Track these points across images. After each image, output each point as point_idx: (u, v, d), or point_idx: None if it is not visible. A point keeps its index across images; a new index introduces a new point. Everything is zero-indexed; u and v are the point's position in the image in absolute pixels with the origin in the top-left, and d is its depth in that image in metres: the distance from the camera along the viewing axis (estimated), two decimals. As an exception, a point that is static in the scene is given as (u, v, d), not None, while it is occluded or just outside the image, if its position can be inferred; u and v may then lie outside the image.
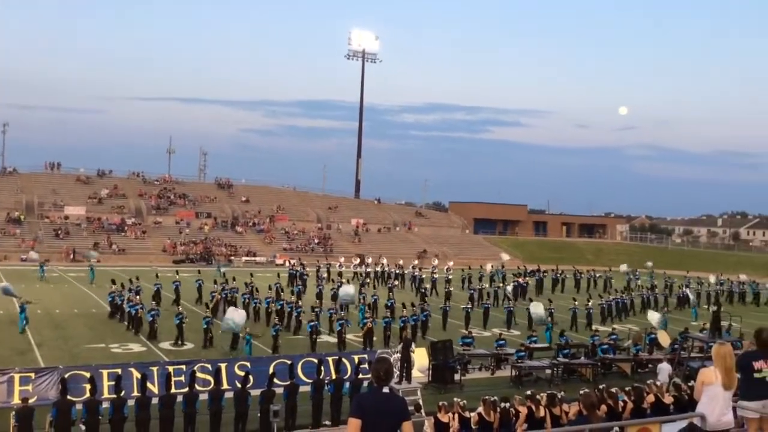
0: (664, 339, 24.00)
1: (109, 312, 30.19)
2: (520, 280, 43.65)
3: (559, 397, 13.90)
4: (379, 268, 47.45)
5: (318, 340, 24.80)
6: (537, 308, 27.30)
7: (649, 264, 54.25)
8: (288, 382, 16.76)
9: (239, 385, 16.36)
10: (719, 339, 17.12)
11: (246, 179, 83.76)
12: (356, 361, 19.08)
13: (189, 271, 42.08)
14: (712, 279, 47.70)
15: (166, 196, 71.87)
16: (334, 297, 34.81)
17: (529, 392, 14.40)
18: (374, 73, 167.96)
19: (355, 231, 73.61)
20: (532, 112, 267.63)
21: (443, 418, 13.55)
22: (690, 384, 13.74)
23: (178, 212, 69.04)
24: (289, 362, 18.42)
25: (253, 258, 60.45)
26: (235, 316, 23.44)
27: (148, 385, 16.02)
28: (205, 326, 25.00)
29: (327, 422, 16.78)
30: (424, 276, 43.28)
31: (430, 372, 20.90)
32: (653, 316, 27.08)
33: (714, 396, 6.85)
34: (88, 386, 15.23)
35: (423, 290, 38.39)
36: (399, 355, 19.69)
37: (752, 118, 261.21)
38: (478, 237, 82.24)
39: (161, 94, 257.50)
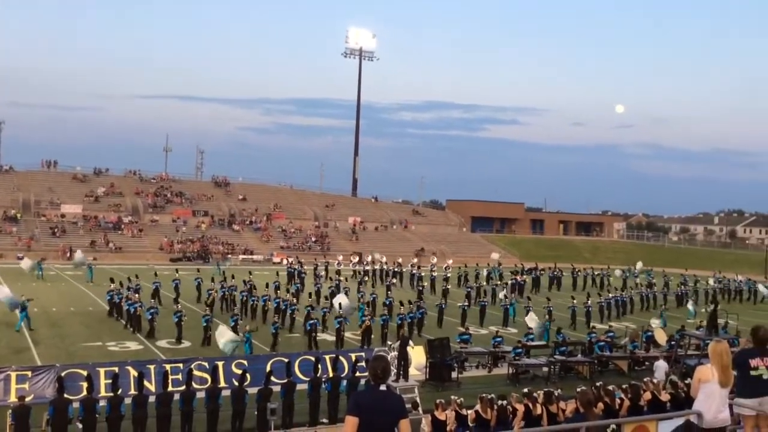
0: (660, 336, 24.05)
1: (108, 310, 30.13)
2: (518, 278, 43.69)
3: (556, 394, 13.93)
4: (377, 266, 47.46)
5: (316, 338, 24.80)
6: (531, 322, 27.00)
7: (639, 265, 54.16)
8: (285, 380, 16.76)
9: (236, 383, 16.36)
10: (716, 337, 17.18)
11: (243, 177, 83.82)
12: (353, 359, 19.09)
13: (188, 269, 42.03)
14: (711, 281, 47.76)
15: (163, 195, 71.76)
16: (332, 295, 34.83)
17: (526, 390, 14.44)
18: (371, 71, 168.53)
19: (352, 229, 73.59)
20: (529, 110, 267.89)
21: (440, 415, 13.56)
22: (687, 381, 13.77)
23: (174, 210, 68.95)
24: (286, 360, 18.43)
25: (250, 256, 60.41)
26: (225, 337, 22.84)
27: (146, 383, 16.01)
28: (205, 324, 25.00)
29: (324, 420, 16.79)
30: (423, 274, 43.32)
31: (428, 370, 20.91)
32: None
33: (710, 393, 6.86)
34: (85, 384, 15.22)
35: (420, 288, 38.40)
36: (396, 353, 19.72)
37: (749, 116, 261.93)
38: (475, 235, 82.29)
39: (158, 92, 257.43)
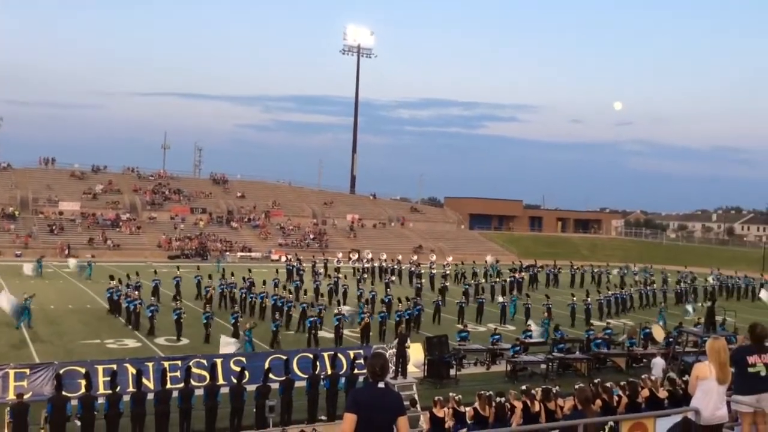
0: (658, 333, 24.08)
1: (109, 308, 30.08)
2: (516, 275, 43.72)
3: (554, 391, 13.94)
4: (376, 264, 47.47)
5: (316, 335, 24.79)
6: (536, 331, 26.83)
7: (636, 268, 54.09)
8: (284, 378, 16.76)
9: (235, 381, 16.36)
10: (713, 334, 17.20)
11: (241, 175, 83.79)
12: (351, 356, 19.08)
13: (187, 267, 42.01)
14: (710, 278, 47.79)
15: (161, 192, 71.71)
16: (330, 292, 34.85)
17: (524, 387, 14.44)
18: (370, 68, 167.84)
19: (350, 226, 73.57)
20: (527, 107, 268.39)
21: (439, 413, 13.57)
22: (684, 378, 13.79)
23: (173, 208, 68.90)
24: (284, 357, 18.43)
25: (248, 253, 60.39)
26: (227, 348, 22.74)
27: (144, 380, 15.99)
28: (205, 321, 25.00)
29: (323, 417, 16.79)
30: (422, 271, 43.35)
31: (426, 367, 20.92)
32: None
33: (708, 390, 6.88)
34: (83, 382, 15.20)
35: (419, 285, 38.44)
36: (394, 350, 19.73)
37: (748, 114, 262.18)
38: (473, 232, 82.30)
39: (157, 89, 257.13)
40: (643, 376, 15.43)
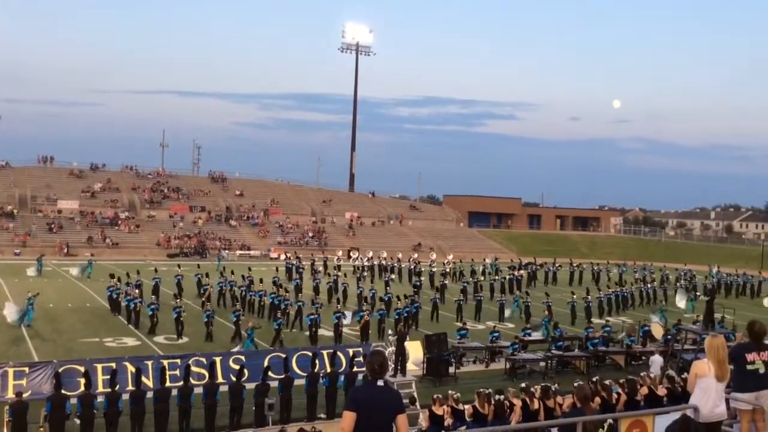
0: (657, 331, 24.10)
1: (110, 307, 30.02)
2: (515, 273, 43.76)
3: (553, 389, 13.96)
4: (376, 262, 47.49)
5: (316, 333, 24.79)
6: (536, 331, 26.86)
7: (629, 264, 54.11)
8: (283, 376, 16.76)
9: (234, 379, 16.36)
10: (712, 331, 17.21)
11: (240, 173, 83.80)
12: (351, 354, 19.09)
13: (188, 265, 42.01)
14: (713, 271, 47.83)
15: (160, 190, 71.67)
16: (330, 291, 34.86)
17: (523, 385, 14.46)
18: (368, 66, 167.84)
19: (349, 224, 73.57)
20: (526, 105, 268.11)
21: (438, 410, 13.58)
22: (683, 376, 13.81)
23: (171, 206, 68.86)
24: (283, 356, 18.44)
25: (247, 252, 60.37)
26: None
27: (143, 379, 16.00)
28: (206, 320, 25.01)
29: (322, 415, 16.80)
30: (422, 269, 43.35)
31: (425, 365, 20.93)
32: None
33: (707, 388, 6.88)
34: (82, 380, 15.20)
35: (418, 283, 38.46)
36: (393, 348, 19.73)
37: (745, 111, 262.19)
38: (472, 230, 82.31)
39: (154, 87, 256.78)
40: (642, 374, 15.46)
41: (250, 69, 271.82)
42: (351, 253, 53.62)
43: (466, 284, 37.29)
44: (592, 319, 30.02)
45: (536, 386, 14.21)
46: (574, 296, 32.50)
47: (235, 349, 21.31)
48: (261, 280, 32.50)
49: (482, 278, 41.97)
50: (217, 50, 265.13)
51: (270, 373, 16.72)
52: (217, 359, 18.27)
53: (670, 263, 55.37)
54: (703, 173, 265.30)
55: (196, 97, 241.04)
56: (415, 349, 21.32)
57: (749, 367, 7.14)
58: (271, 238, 65.55)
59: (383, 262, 46.80)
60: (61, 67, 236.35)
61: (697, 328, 22.63)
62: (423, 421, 14.45)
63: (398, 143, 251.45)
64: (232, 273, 34.69)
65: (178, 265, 37.56)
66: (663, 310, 31.38)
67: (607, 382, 14.22)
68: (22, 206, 63.08)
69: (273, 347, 22.38)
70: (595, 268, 49.35)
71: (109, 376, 15.54)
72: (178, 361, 18.06)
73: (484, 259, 52.16)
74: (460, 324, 26.32)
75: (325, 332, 25.82)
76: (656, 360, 20.07)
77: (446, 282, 38.99)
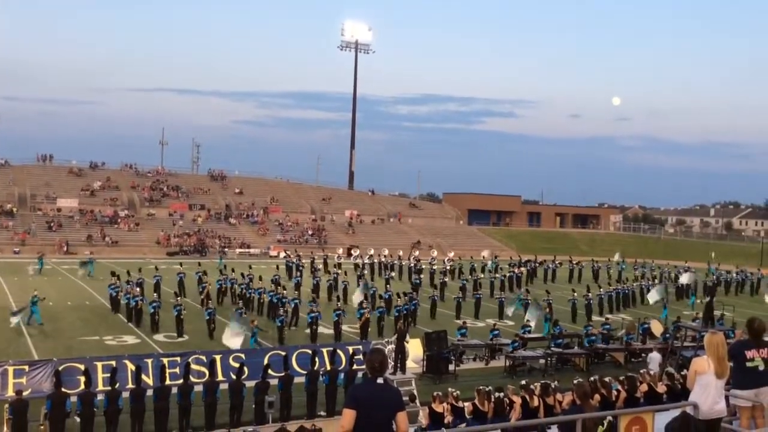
0: (657, 328, 24.12)
1: (111, 306, 30.01)
2: (516, 270, 43.78)
3: (553, 386, 13.95)
4: (376, 260, 47.49)
5: (316, 331, 24.81)
6: (532, 314, 26.96)
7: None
8: (283, 374, 16.77)
9: (234, 377, 16.37)
10: (711, 328, 17.23)
11: (239, 171, 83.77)
12: (351, 352, 19.11)
13: (189, 263, 41.99)
14: (713, 266, 47.82)
15: (159, 188, 71.66)
16: (330, 289, 34.87)
17: (523, 382, 14.46)
18: (367, 64, 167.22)
19: (349, 222, 73.57)
20: (525, 102, 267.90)
21: (438, 408, 13.59)
22: (683, 373, 13.81)
23: (171, 204, 68.84)
24: (283, 354, 18.44)
25: (247, 250, 60.38)
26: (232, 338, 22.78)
27: (143, 377, 16.02)
28: (208, 318, 25.02)
29: (322, 413, 16.81)
30: (423, 267, 43.38)
31: (425, 363, 20.94)
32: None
33: (707, 385, 6.89)
34: (82, 378, 15.21)
35: (417, 281, 38.45)
36: (393, 346, 19.76)
37: (745, 109, 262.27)
38: (472, 228, 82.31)
39: (154, 85, 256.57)
40: (641, 371, 15.45)
41: (249, 67, 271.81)
42: (352, 251, 53.60)
43: (465, 282, 37.32)
44: (592, 317, 30.03)
45: (536, 383, 14.20)
46: (575, 294, 32.51)
47: (237, 329, 21.15)
48: (260, 278, 32.53)
49: (482, 275, 41.97)
50: (216, 48, 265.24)
51: (270, 371, 16.74)
52: (217, 357, 18.29)
53: (671, 260, 55.40)
54: (703, 171, 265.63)
55: (196, 96, 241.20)
56: (415, 347, 21.35)
57: (749, 364, 7.14)
58: (271, 236, 65.54)
59: (383, 259, 46.84)
60: (60, 66, 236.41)
61: (696, 325, 22.70)
62: (423, 418, 14.44)
63: (397, 141, 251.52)
64: (233, 271, 34.70)
65: (180, 263, 37.58)
66: (665, 306, 31.48)
67: (606, 379, 14.23)
68: (21, 205, 63.05)
69: (281, 345, 22.42)
70: (595, 266, 49.35)
71: (109, 374, 15.56)
72: (178, 359, 18.08)
73: (483, 256, 52.15)
74: (459, 322, 26.32)
75: (325, 330, 25.83)
76: (655, 357, 20.09)
77: (446, 280, 39.00)
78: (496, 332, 24.00)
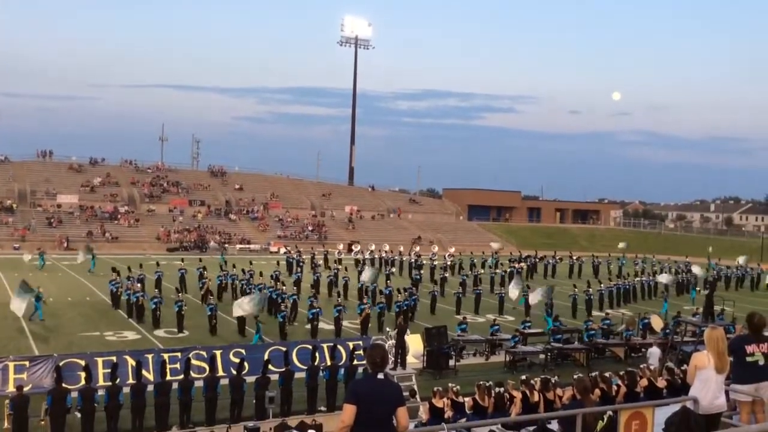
0: (657, 323, 24.13)
1: (112, 302, 30.01)
2: (516, 265, 43.78)
3: (553, 381, 13.98)
4: (377, 255, 47.49)
5: (317, 326, 24.82)
6: (535, 297, 27.28)
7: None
8: (283, 369, 16.79)
9: (234, 372, 16.38)
10: (712, 323, 17.23)
11: (239, 167, 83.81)
12: (351, 347, 19.13)
13: (189, 259, 42.00)
14: (712, 262, 47.82)
15: (159, 184, 71.63)
16: (331, 284, 34.87)
17: (523, 377, 14.48)
18: (367, 59, 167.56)
19: (349, 218, 73.56)
20: (525, 98, 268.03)
21: (438, 403, 13.61)
22: (683, 368, 13.83)
23: (171, 200, 68.83)
24: (284, 349, 18.46)
25: (247, 245, 60.39)
26: (246, 304, 23.74)
27: (144, 372, 16.03)
28: (210, 313, 25.03)
29: (322, 408, 16.84)
30: (423, 263, 43.34)
31: (425, 358, 20.95)
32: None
33: (707, 380, 6.90)
34: (83, 374, 15.23)
35: (417, 276, 38.45)
36: (394, 341, 19.75)
37: (745, 104, 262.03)
38: (472, 223, 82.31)
39: (153, 81, 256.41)
40: (641, 366, 15.49)
41: (249, 63, 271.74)
42: (353, 247, 53.59)
43: (464, 277, 37.33)
44: (592, 312, 30.04)
45: (536, 378, 14.23)
46: (576, 289, 32.52)
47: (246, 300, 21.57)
48: (261, 274, 32.54)
49: (482, 271, 41.97)
50: (216, 44, 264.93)
51: (270, 366, 16.75)
52: (218, 352, 18.29)
53: (673, 256, 55.36)
54: (703, 166, 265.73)
55: (195, 92, 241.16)
56: (415, 342, 21.35)
57: (749, 358, 7.15)
58: (271, 232, 65.55)
59: (384, 255, 46.85)
60: (60, 62, 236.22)
61: (696, 320, 22.69)
62: (423, 413, 14.46)
63: (397, 137, 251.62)
64: (234, 267, 34.71)
65: (182, 259, 37.54)
66: (666, 300, 31.53)
67: (606, 374, 14.25)
68: (21, 201, 63.04)
69: (283, 340, 22.49)
70: (596, 261, 49.34)
71: (109, 370, 15.57)
72: (179, 354, 18.09)
73: (490, 252, 52.13)
74: (459, 317, 26.34)
75: (325, 326, 25.83)
76: (654, 352, 20.11)
77: (446, 275, 39.00)
78: (496, 327, 24.02)
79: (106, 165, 74.78)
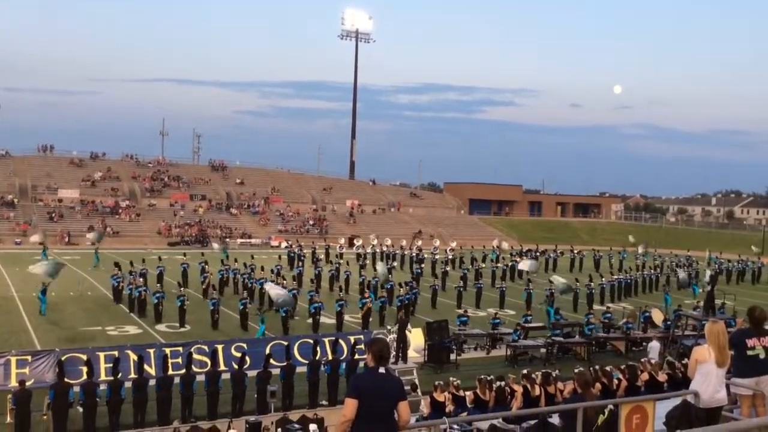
0: (657, 317, 24.15)
1: (114, 297, 30.06)
2: (517, 259, 43.79)
3: (554, 375, 13.99)
4: (378, 249, 47.51)
5: (318, 321, 24.85)
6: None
7: (641, 248, 54.12)
8: (285, 363, 16.82)
9: (236, 366, 16.42)
10: (712, 317, 17.24)
11: (240, 161, 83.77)
12: (352, 341, 19.16)
13: (193, 253, 42.01)
14: (712, 258, 47.83)
15: (160, 179, 71.62)
16: (332, 279, 34.92)
17: (524, 371, 14.49)
18: (368, 53, 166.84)
19: (350, 212, 73.56)
20: (526, 91, 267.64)
21: (439, 397, 13.63)
22: (684, 362, 13.84)
23: (172, 194, 68.82)
24: (285, 343, 18.49)
25: (248, 240, 60.40)
26: (277, 292, 24.31)
27: (145, 367, 16.07)
28: (212, 308, 25.06)
29: (324, 402, 16.87)
30: (425, 256, 43.34)
31: (426, 352, 20.99)
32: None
33: (707, 373, 6.91)
34: (85, 369, 15.27)
35: (418, 270, 38.49)
36: (395, 335, 19.79)
37: (746, 97, 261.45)
38: (473, 217, 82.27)
39: (154, 75, 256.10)
40: (642, 360, 15.49)
41: (250, 57, 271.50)
42: (354, 241, 53.60)
43: (465, 271, 37.35)
44: (594, 306, 30.06)
45: (537, 372, 14.24)
46: (577, 283, 32.51)
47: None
48: (262, 268, 32.57)
49: (483, 265, 41.99)
50: (217, 39, 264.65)
51: (272, 361, 16.78)
52: (219, 347, 18.35)
53: (675, 249, 55.31)
54: (705, 159, 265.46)
55: (196, 86, 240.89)
56: (416, 337, 21.38)
57: (749, 352, 7.15)
58: (272, 227, 65.55)
59: (386, 249, 46.83)
60: (60, 56, 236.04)
61: (697, 314, 22.72)
62: (424, 407, 14.49)
63: (398, 130, 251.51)
64: (236, 261, 34.73)
65: (184, 254, 37.59)
66: (667, 293, 31.54)
67: (607, 368, 14.26)
68: (22, 195, 63.05)
69: (286, 335, 22.56)
70: (597, 255, 49.32)
71: (111, 365, 15.62)
72: (180, 348, 18.13)
73: (494, 245, 52.07)
74: (460, 311, 26.38)
75: (327, 320, 25.87)
76: (654, 346, 20.12)
77: (448, 269, 39.02)
78: (497, 321, 24.04)
79: (107, 159, 74.77)
